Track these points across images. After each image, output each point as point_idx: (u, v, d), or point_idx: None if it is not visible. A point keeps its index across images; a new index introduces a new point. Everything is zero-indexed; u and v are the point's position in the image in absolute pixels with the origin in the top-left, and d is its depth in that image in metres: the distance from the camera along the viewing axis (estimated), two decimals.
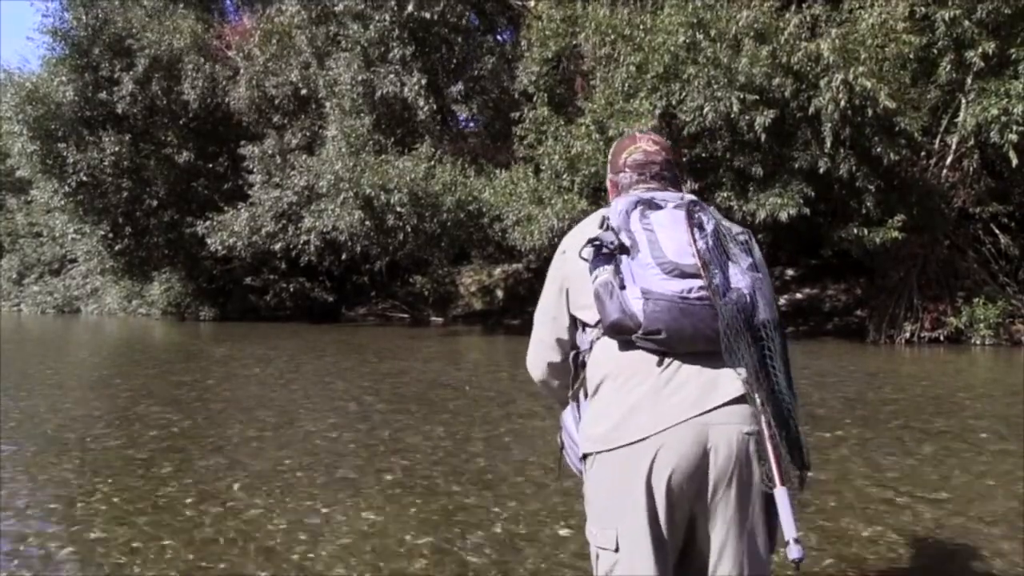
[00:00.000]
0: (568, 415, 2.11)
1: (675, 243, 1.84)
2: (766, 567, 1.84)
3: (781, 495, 1.71)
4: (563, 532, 3.98)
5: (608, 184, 2.24)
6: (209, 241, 19.63)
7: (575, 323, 2.07)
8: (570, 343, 2.10)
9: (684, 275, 1.80)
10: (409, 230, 16.69)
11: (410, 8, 17.77)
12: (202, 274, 23.50)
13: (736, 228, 1.96)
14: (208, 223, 19.76)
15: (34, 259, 31.00)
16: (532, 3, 17.60)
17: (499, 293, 21.44)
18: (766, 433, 1.74)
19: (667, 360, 1.82)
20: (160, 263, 23.89)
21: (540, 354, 2.18)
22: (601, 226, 1.94)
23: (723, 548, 1.81)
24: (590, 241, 1.90)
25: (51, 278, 29.99)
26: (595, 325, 1.95)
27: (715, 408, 1.77)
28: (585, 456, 1.94)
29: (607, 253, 1.87)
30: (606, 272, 1.85)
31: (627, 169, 2.14)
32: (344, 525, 4.19)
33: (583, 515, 1.97)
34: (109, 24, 21.29)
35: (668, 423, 1.77)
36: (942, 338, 13.67)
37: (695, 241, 1.84)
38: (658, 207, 1.94)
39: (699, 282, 1.79)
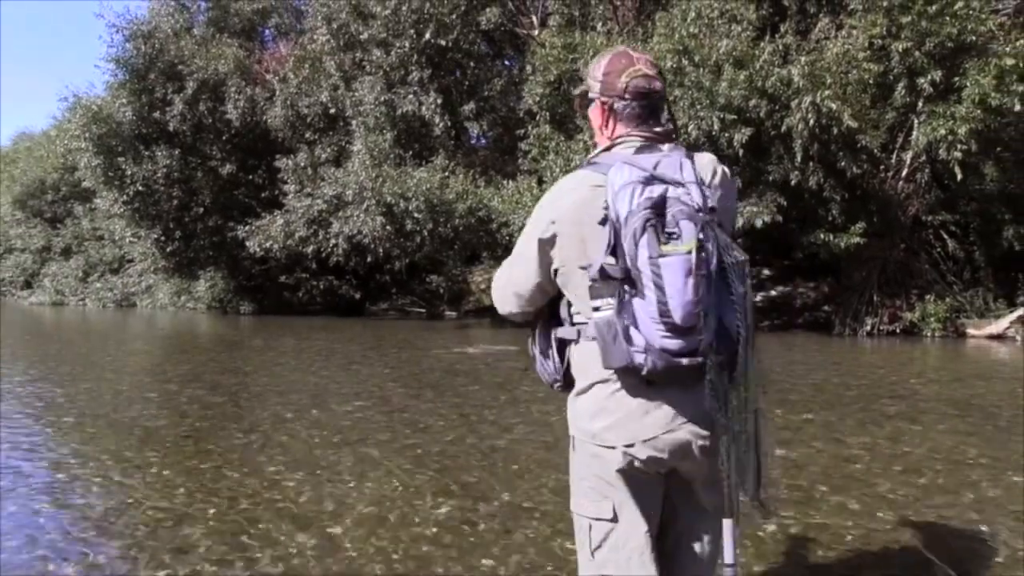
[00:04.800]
0: (535, 348, 1.97)
1: (681, 297, 1.58)
2: (715, 559, 1.86)
3: (727, 525, 1.74)
4: (566, 503, 3.97)
5: (595, 104, 1.87)
6: (249, 244, 19.61)
7: (557, 291, 1.88)
8: (543, 302, 1.93)
9: (682, 332, 1.60)
10: (426, 234, 16.67)
11: (427, 36, 17.76)
12: (242, 273, 23.49)
13: (737, 251, 1.70)
14: (248, 228, 19.76)
15: (97, 259, 31.03)
16: (536, 32, 17.57)
17: None
18: (723, 459, 1.72)
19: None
20: (205, 263, 23.89)
21: (511, 300, 1.96)
22: (606, 209, 1.66)
23: (690, 533, 1.84)
24: (600, 270, 1.64)
25: (111, 276, 29.98)
26: (585, 321, 1.79)
27: (692, 422, 1.72)
28: (572, 437, 1.86)
29: (613, 281, 1.64)
30: (609, 308, 1.65)
31: (628, 96, 1.81)
32: (368, 496, 4.19)
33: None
34: (163, 52, 21.28)
35: (651, 433, 1.72)
36: (898, 331, 13.66)
37: (697, 292, 1.59)
38: (669, 224, 1.63)
39: (694, 338, 1.61)
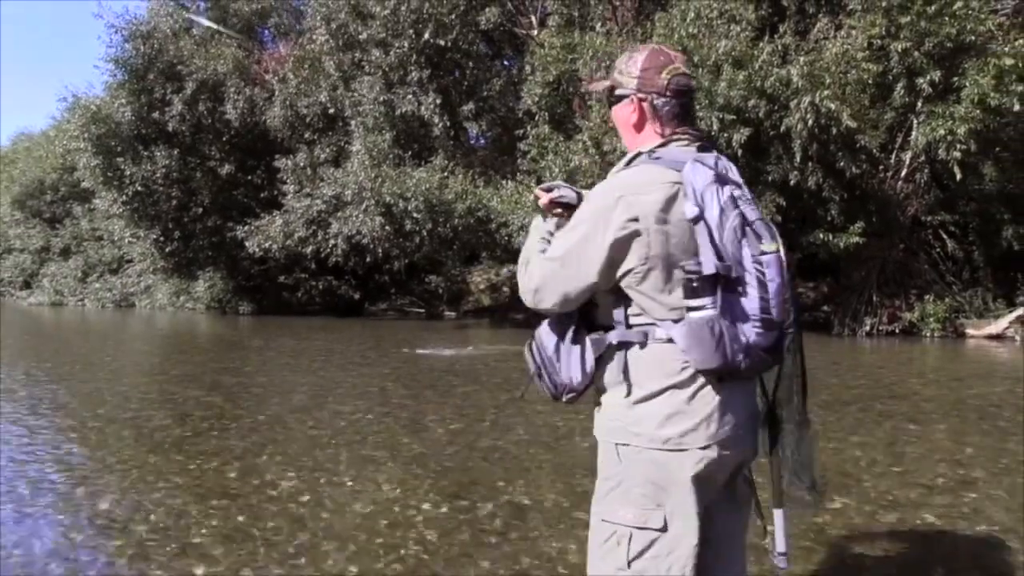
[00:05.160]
0: (547, 334, 1.84)
1: (781, 295, 1.62)
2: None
3: (778, 515, 1.81)
4: (565, 503, 3.98)
5: (628, 100, 1.80)
6: (248, 244, 19.59)
7: (614, 292, 1.74)
8: (581, 303, 1.79)
9: (774, 328, 1.64)
10: (425, 234, 16.66)
11: (426, 36, 17.73)
12: (241, 273, 23.48)
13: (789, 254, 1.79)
14: (247, 228, 19.74)
15: (96, 260, 30.98)
16: (535, 32, 17.56)
17: (506, 290, 21.37)
18: (780, 450, 1.79)
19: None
20: (204, 263, 23.88)
21: (553, 299, 1.78)
22: (698, 206, 1.62)
23: (727, 529, 1.83)
24: (715, 273, 1.60)
25: (110, 276, 29.94)
26: (651, 323, 1.71)
27: (755, 417, 1.77)
28: (616, 445, 1.75)
29: (711, 279, 1.61)
30: (711, 307, 1.60)
31: (669, 94, 1.75)
32: (366, 496, 4.19)
33: (587, 492, 1.84)
34: (163, 53, 21.27)
35: (728, 432, 1.70)
36: (898, 331, 13.65)
37: (788, 293, 1.65)
38: (746, 210, 1.64)
39: (778, 333, 1.66)
